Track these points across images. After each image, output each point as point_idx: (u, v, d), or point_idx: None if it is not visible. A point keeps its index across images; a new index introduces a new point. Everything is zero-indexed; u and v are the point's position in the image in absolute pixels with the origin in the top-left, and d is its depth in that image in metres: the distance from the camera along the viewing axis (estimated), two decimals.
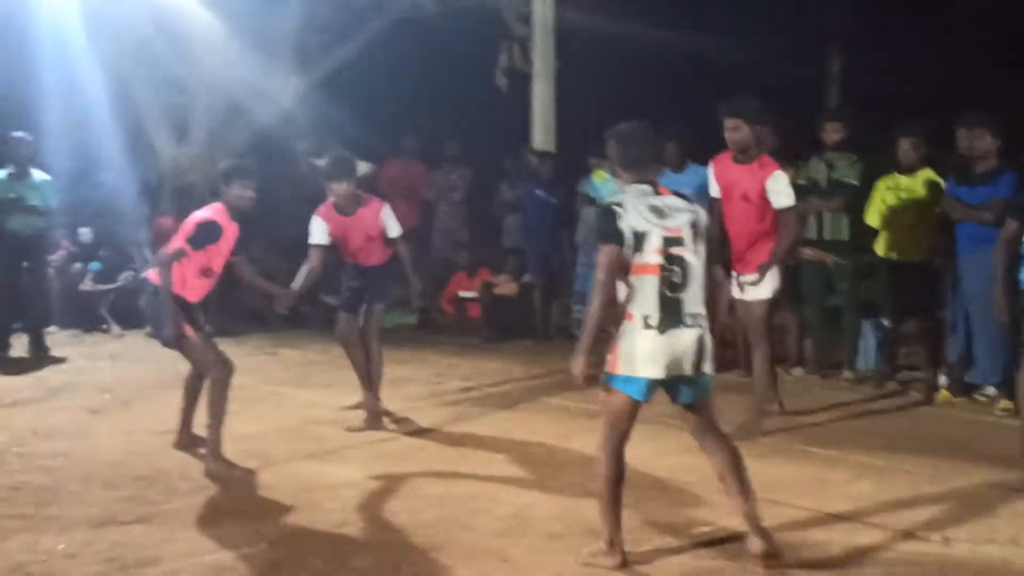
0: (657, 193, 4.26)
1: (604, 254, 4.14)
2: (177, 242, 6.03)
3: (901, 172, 7.76)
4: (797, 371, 8.55)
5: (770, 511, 5.05)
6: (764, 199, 6.40)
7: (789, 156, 8.00)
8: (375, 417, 6.90)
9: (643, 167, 4.30)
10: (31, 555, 4.51)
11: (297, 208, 11.63)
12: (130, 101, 11.96)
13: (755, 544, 4.25)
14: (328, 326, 11.31)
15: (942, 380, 7.67)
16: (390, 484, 5.63)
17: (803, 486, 5.40)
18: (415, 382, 8.35)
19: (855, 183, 8.11)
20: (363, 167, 10.57)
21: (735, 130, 6.40)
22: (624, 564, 4.27)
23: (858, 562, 4.40)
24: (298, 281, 6.79)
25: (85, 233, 11.91)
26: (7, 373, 8.92)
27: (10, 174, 9.61)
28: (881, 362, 8.26)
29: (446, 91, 13.63)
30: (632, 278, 4.15)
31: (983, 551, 4.52)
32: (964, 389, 7.53)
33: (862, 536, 4.70)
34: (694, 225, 4.22)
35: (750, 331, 6.71)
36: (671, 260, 4.14)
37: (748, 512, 4.28)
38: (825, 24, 15.36)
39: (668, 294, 4.12)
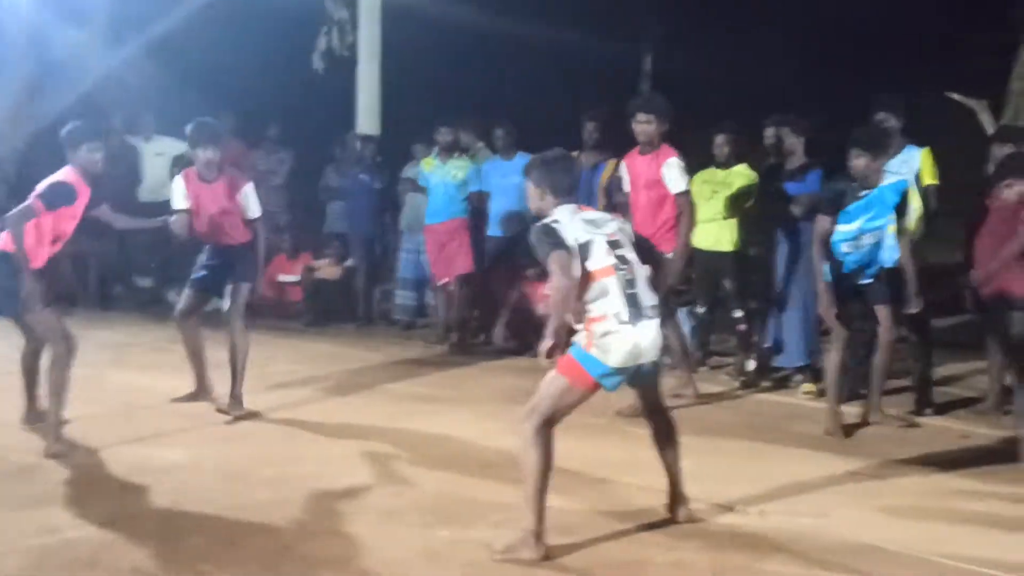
0: (580, 210, 4.60)
1: (555, 260, 4.31)
2: (28, 200, 5.82)
3: (717, 166, 8.11)
4: None
5: (599, 488, 5.29)
6: (663, 186, 6.88)
7: (609, 150, 8.29)
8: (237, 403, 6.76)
9: (570, 191, 4.63)
10: None
11: (108, 185, 11.27)
12: None
13: (681, 512, 4.77)
14: (141, 308, 11.09)
15: (751, 365, 8.07)
16: (222, 466, 5.58)
17: (628, 464, 5.57)
18: None
19: None
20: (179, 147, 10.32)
21: (647, 123, 6.95)
22: (547, 557, 4.27)
23: (680, 534, 4.64)
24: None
25: None
26: None
27: None
28: (694, 348, 8.63)
29: (269, 71, 13.37)
30: (594, 284, 4.38)
31: (795, 522, 4.83)
32: (772, 374, 7.95)
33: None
34: (623, 230, 4.58)
35: None
36: (621, 260, 4.44)
37: (674, 479, 4.77)
38: (638, 21, 15.81)
39: (628, 290, 4.39)
